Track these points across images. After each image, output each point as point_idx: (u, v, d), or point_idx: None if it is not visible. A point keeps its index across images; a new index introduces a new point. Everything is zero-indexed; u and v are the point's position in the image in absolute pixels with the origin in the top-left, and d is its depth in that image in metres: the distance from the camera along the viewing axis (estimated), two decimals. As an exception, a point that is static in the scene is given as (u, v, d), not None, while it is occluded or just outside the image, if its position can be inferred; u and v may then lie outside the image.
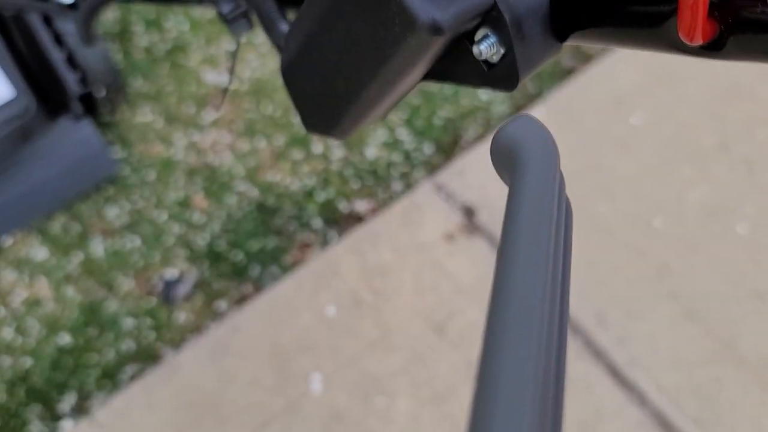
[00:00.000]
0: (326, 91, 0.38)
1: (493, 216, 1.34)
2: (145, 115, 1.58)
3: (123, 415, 1.23)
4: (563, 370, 0.20)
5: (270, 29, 0.46)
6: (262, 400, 1.22)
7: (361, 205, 1.43)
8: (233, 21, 0.50)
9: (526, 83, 1.52)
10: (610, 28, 0.29)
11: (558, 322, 0.20)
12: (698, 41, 0.26)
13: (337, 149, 1.51)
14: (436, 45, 0.30)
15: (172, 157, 1.53)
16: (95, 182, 1.47)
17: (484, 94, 1.52)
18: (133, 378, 1.29)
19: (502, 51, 0.31)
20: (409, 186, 1.44)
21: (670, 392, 1.17)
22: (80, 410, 1.27)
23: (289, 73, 0.40)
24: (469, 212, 1.35)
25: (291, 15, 0.49)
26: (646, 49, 0.29)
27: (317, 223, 1.43)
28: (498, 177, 0.29)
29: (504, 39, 0.30)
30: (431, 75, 0.35)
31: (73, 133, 1.41)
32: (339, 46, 0.34)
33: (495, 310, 0.17)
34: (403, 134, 1.52)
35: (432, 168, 1.46)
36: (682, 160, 1.35)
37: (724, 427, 1.13)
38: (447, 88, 1.53)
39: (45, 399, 1.29)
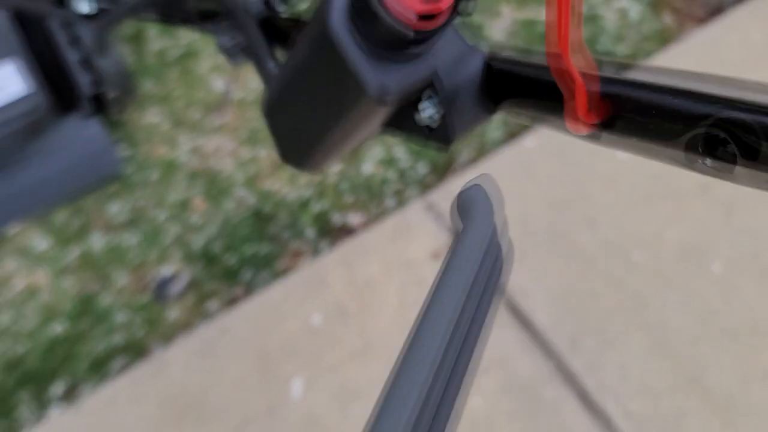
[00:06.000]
0: (297, 132, 0.43)
1: (479, 238, 1.39)
2: (152, 117, 1.63)
3: (110, 404, 1.27)
4: (455, 392, 0.25)
5: (259, 67, 0.51)
6: (244, 400, 1.27)
7: (354, 219, 1.48)
8: (230, 52, 0.55)
9: (521, 112, 1.58)
10: (526, 105, 0.35)
11: (455, 360, 0.24)
12: (586, 126, 0.31)
13: (334, 164, 1.56)
14: (383, 111, 0.36)
15: (176, 159, 1.58)
16: (100, 179, 1.53)
17: (480, 120, 1.58)
18: (121, 370, 1.34)
19: (439, 118, 0.36)
20: (401, 203, 1.49)
21: (635, 419, 1.21)
22: (69, 397, 1.32)
23: (268, 111, 0.45)
24: (457, 233, 1.40)
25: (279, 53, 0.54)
26: (556, 130, 0.35)
27: (310, 233, 1.48)
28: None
29: (440, 109, 0.36)
30: (387, 126, 0.40)
31: (82, 131, 1.46)
32: (307, 96, 0.39)
33: (411, 337, 0.23)
34: (400, 153, 1.57)
35: (425, 187, 1.51)
36: (663, 198, 1.40)
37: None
38: (445, 112, 1.59)
39: (37, 384, 1.34)
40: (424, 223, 1.43)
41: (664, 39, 1.64)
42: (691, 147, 0.28)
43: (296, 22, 0.50)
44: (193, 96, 1.66)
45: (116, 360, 1.36)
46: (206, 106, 1.64)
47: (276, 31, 0.51)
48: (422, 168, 1.55)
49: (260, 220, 1.50)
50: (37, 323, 1.42)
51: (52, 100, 1.39)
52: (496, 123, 1.57)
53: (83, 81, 1.36)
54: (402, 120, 0.38)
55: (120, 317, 1.40)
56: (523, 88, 0.35)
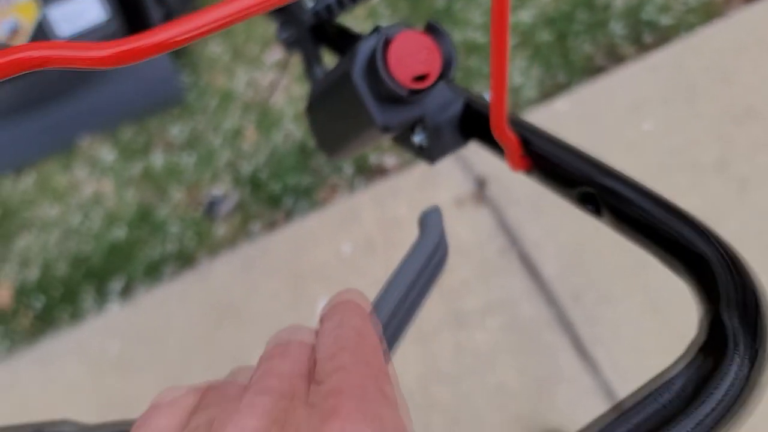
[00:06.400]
0: (327, 133, 0.57)
1: (501, 190, 1.50)
2: (214, 48, 1.76)
3: (161, 304, 1.46)
4: (407, 321, 0.38)
5: (306, 65, 0.64)
6: (276, 312, 1.44)
7: (389, 161, 1.61)
8: (285, 43, 0.67)
9: (557, 73, 1.65)
10: (484, 146, 0.47)
11: (404, 313, 0.37)
12: (520, 170, 0.44)
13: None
14: (388, 136, 0.49)
15: (233, 89, 1.72)
16: (164, 102, 1.68)
17: (518, 77, 1.66)
18: (172, 275, 1.52)
19: (427, 143, 0.49)
20: (435, 151, 1.61)
21: (621, 370, 1.34)
22: (126, 294, 1.51)
23: (309, 110, 0.59)
24: (481, 183, 1.51)
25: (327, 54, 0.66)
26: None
27: (348, 169, 1.61)
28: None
29: (427, 138, 0.48)
30: (393, 140, 0.53)
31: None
32: (335, 113, 0.52)
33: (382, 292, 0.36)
34: (440, 102, 1.67)
35: (458, 138, 1.62)
36: (681, 171, 1.49)
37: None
38: (483, 66, 1.67)
39: (99, 279, 1.54)
40: (452, 171, 1.55)
41: (710, 13, 1.68)
42: (578, 198, 0.41)
43: (342, 31, 0.61)
44: (252, 31, 1.78)
45: (168, 266, 1.54)
46: (265, 42, 1.76)
47: (325, 35, 0.63)
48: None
49: (304, 153, 1.64)
50: (101, 227, 1.60)
51: (125, 28, 1.53)
52: (533, 82, 1.66)
53: (155, 12, 1.49)
54: (403, 138, 0.51)
55: (173, 229, 1.58)
56: (483, 133, 0.47)
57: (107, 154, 1.66)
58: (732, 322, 0.32)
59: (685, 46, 1.64)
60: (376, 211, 1.53)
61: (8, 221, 1.64)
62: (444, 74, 0.46)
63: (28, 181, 1.68)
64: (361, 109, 0.47)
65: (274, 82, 1.71)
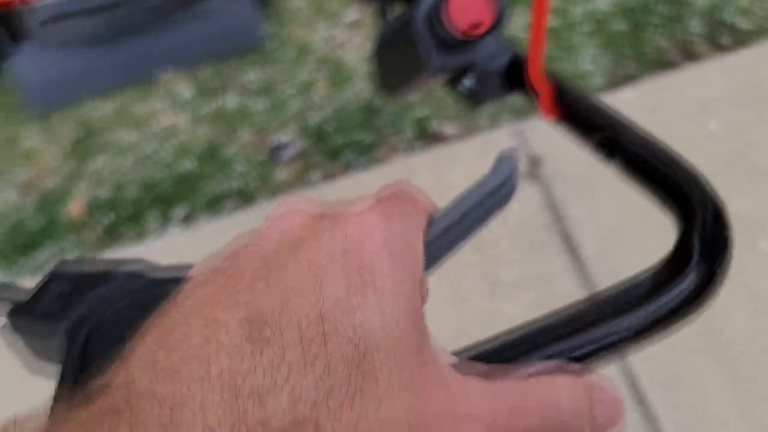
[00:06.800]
0: (387, 74, 0.64)
1: (555, 170, 1.54)
2: (299, 2, 1.84)
3: (218, 234, 1.56)
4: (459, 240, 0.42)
5: (378, 16, 0.71)
6: (323, 257, 1.52)
7: (449, 128, 1.66)
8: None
9: (627, 64, 1.67)
10: (523, 96, 0.53)
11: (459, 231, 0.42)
12: (551, 117, 0.49)
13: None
14: (440, 78, 0.55)
15: (311, 43, 1.80)
16: (245, 47, 1.77)
17: (587, 64, 1.69)
18: (232, 210, 1.61)
19: (476, 87, 0.55)
20: (494, 124, 1.65)
21: (645, 352, 1.38)
22: (187, 221, 1.62)
23: (375, 52, 0.66)
24: (535, 161, 1.55)
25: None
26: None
27: (409, 132, 1.67)
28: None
29: (475, 84, 0.54)
30: (446, 82, 0.59)
31: (236, 3, 1.69)
32: (399, 51, 0.59)
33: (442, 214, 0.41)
34: (507, 79, 1.71)
35: (518, 114, 1.66)
36: (737, 172, 1.49)
37: (673, 388, 1.34)
38: (553, 50, 1.70)
39: (165, 204, 1.64)
40: (509, 146, 1.59)
41: (792, 22, 1.66)
42: (597, 143, 0.46)
43: None
44: (336, -11, 1.85)
45: (229, 201, 1.63)
46: (346, 0, 1.83)
47: None
48: (519, 98, 1.69)
49: (370, 112, 1.70)
50: (173, 158, 1.71)
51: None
52: (602, 70, 1.68)
53: (247, -39, 1.57)
54: (455, 81, 0.57)
55: (239, 168, 1.67)
56: (524, 85, 0.53)
57: (185, 90, 1.76)
58: (699, 244, 0.38)
59: (762, 52, 1.63)
60: (431, 175, 1.58)
61: (88, 142, 1.76)
62: (496, 25, 0.52)
63: (110, 107, 1.80)
64: (421, 51, 0.53)
65: (349, 40, 1.78)
